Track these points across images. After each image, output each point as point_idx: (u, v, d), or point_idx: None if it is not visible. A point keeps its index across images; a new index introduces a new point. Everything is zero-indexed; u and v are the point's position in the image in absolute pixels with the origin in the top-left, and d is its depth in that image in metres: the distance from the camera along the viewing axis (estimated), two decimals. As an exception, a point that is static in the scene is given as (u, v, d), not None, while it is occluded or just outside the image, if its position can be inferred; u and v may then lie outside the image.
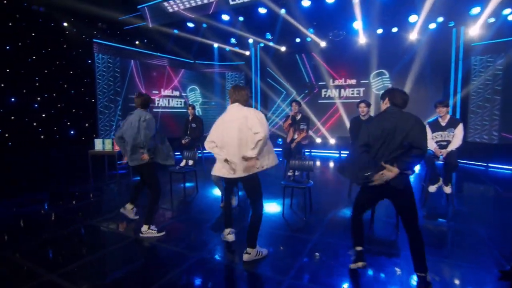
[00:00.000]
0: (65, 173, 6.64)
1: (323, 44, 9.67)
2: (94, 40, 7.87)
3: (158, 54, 9.77)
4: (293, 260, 3.05)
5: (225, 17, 8.10)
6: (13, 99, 6.50)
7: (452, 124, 4.49)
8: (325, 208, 4.17)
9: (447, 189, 4.42)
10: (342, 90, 9.93)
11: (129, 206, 4.10)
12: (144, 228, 3.68)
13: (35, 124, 6.96)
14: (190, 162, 7.08)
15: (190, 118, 7.32)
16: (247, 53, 11.01)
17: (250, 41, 10.13)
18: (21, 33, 6.49)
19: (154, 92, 9.71)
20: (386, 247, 3.23)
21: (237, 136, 2.84)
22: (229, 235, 3.32)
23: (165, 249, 3.38)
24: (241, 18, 8.24)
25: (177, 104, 10.50)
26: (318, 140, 10.32)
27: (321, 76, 10.18)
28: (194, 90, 11.20)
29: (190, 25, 8.65)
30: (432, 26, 8.21)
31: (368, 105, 4.90)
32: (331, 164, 8.35)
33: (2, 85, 6.29)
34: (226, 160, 2.92)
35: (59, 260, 3.15)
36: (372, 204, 2.76)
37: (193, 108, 7.30)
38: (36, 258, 3.19)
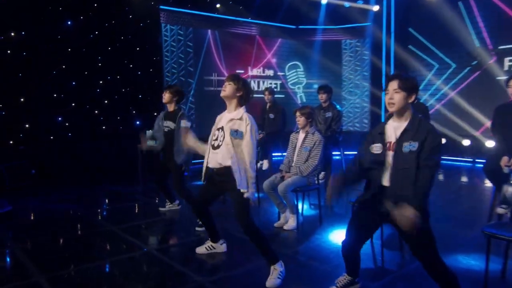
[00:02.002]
0: (118, 169, 7.85)
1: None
2: (161, 7, 9.07)
3: (244, 19, 10.42)
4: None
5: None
6: (74, 83, 8.15)
7: None
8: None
9: None
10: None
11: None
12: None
13: (96, 112, 8.53)
14: (265, 165, 7.35)
15: (267, 106, 7.67)
16: (375, 8, 10.52)
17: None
18: (82, 5, 8.08)
19: (238, 71, 10.40)
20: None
21: None
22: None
23: (171, 268, 3.82)
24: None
25: (271, 86, 10.92)
26: (490, 144, 8.99)
27: (504, 34, 8.89)
28: (296, 68, 11.49)
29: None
30: None
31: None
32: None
33: (63, 67, 7.99)
34: None
35: (57, 263, 3.89)
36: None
37: (271, 92, 7.64)
38: (38, 258, 4.02)
